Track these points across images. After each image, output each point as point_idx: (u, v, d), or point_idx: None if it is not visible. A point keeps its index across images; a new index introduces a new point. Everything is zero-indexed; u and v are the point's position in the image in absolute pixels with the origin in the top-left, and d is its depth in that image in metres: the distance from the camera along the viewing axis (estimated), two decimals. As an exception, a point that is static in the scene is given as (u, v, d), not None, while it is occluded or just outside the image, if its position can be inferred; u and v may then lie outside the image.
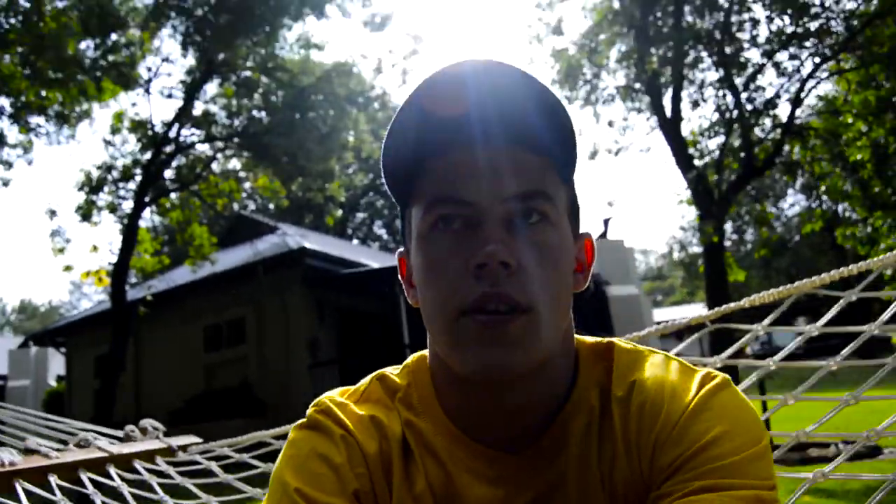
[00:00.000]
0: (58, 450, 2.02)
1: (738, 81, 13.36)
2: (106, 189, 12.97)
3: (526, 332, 0.75)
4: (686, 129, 13.92)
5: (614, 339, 0.91)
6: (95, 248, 13.36)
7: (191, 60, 13.93)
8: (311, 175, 14.38)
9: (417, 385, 0.91)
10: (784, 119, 12.93)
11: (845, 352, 2.11)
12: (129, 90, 13.34)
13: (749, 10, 13.24)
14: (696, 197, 12.99)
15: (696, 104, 13.93)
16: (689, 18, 13.89)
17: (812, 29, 12.37)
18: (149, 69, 13.46)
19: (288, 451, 0.87)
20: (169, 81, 13.42)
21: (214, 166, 14.52)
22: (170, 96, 13.67)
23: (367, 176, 20.69)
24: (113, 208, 12.95)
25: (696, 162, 13.60)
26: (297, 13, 14.57)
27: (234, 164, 15.16)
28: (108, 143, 13.37)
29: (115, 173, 13.21)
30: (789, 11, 12.23)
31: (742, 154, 13.02)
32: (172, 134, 13.48)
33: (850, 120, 12.20)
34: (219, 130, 14.44)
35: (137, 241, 12.53)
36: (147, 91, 13.47)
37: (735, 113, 12.99)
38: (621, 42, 14.38)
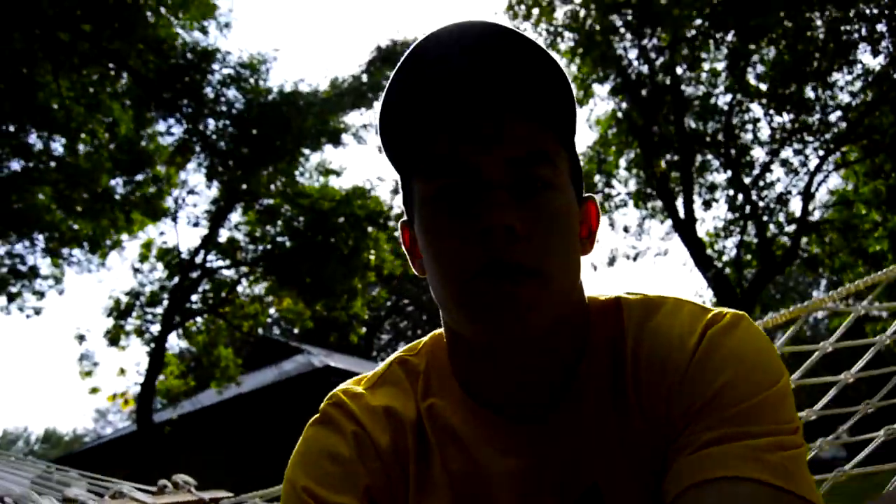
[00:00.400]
0: (95, 500, 2.07)
1: (748, 180, 13.65)
2: (134, 314, 13.28)
3: (534, 296, 0.74)
4: (701, 230, 14.11)
5: (622, 293, 0.89)
6: (123, 371, 13.52)
7: (215, 191, 14.51)
8: (334, 295, 14.59)
9: (434, 364, 0.91)
10: (798, 214, 13.11)
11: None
12: (158, 221, 13.85)
13: (748, 110, 13.71)
14: (719, 297, 12.99)
15: (708, 205, 14.18)
16: (692, 124, 14.38)
17: (812, 123, 12.75)
18: (175, 200, 14.03)
19: (299, 449, 0.88)
20: (194, 210, 13.86)
21: (239, 289, 14.80)
22: (196, 224, 14.18)
23: (391, 297, 20.98)
24: (140, 332, 13.20)
25: (716, 262, 13.70)
26: (314, 143, 15.28)
27: (259, 287, 15.43)
28: (136, 270, 13.79)
29: (142, 299, 13.54)
30: (787, 107, 12.64)
31: (759, 251, 13.12)
32: (198, 260, 13.89)
33: (863, 211, 12.36)
34: (243, 256, 14.83)
35: (164, 364, 12.67)
36: (174, 220, 13.99)
37: (748, 209, 13.19)
38: (628, 150, 14.83)
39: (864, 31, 12.65)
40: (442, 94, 0.78)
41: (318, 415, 0.90)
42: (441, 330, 0.91)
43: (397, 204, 15.79)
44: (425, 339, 0.95)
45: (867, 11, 12.50)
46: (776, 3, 12.15)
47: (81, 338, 13.06)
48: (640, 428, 0.79)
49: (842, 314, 2.33)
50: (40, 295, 12.95)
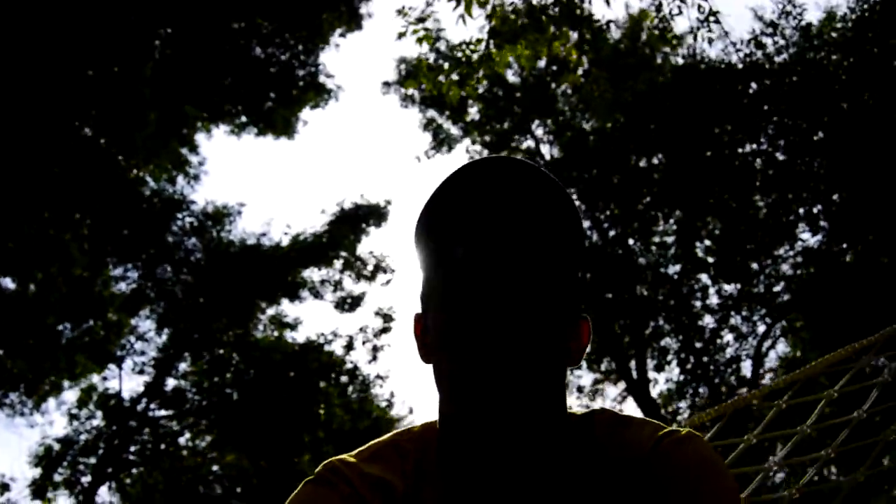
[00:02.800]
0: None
1: (698, 345, 13.90)
2: (65, 463, 12.53)
3: (521, 402, 0.83)
4: (655, 391, 14.14)
5: (595, 409, 0.99)
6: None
7: (164, 338, 14.27)
8: (281, 450, 14.07)
9: (423, 451, 0.96)
10: (748, 376, 13.28)
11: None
12: (103, 368, 13.47)
13: (697, 280, 14.19)
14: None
15: (660, 367, 14.30)
16: (644, 291, 14.79)
17: (757, 293, 13.20)
18: (123, 346, 13.72)
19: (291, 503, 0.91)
20: (141, 358, 13.62)
21: (181, 441, 14.19)
22: (141, 372, 13.80)
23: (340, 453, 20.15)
24: (71, 484, 12.40)
25: (671, 423, 13.63)
26: (271, 296, 15.33)
27: (203, 441, 14.82)
28: (73, 416, 13.20)
29: (76, 447, 12.85)
30: (734, 278, 13.13)
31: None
32: (140, 408, 13.38)
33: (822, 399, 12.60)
34: (188, 406, 14.35)
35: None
36: (119, 367, 13.61)
37: (699, 372, 13.33)
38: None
39: (801, 212, 13.46)
40: (474, 222, 0.89)
41: (312, 476, 0.94)
42: (434, 420, 0.97)
43: (350, 359, 15.66)
44: (418, 425, 1.01)
45: (804, 195, 13.37)
46: (722, 185, 12.98)
47: (4, 487, 12.23)
48: None
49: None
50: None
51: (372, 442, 1.00)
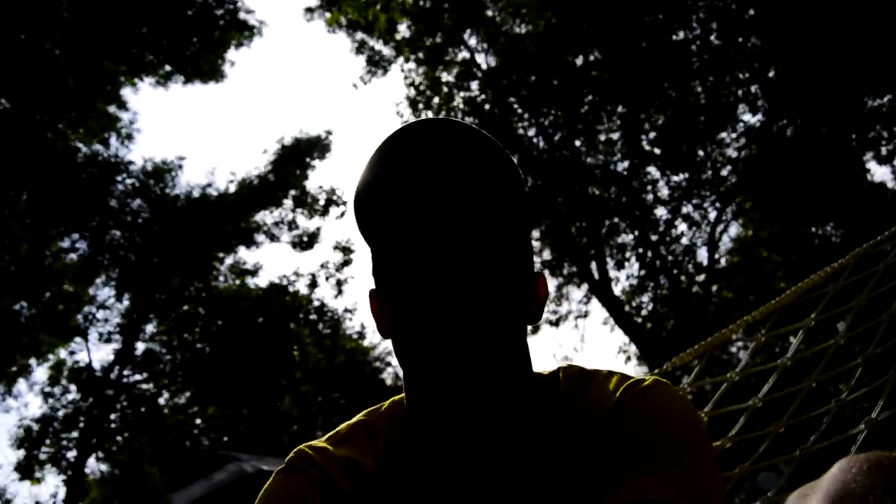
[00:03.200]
0: None
1: (654, 238, 14.18)
2: (48, 441, 12.50)
3: (483, 363, 0.83)
4: (617, 289, 14.48)
5: (562, 365, 0.99)
6: (39, 506, 12.62)
7: (126, 303, 14.07)
8: (260, 396, 14.19)
9: (393, 427, 0.96)
10: (705, 263, 13.66)
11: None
12: (68, 341, 13.28)
13: (647, 173, 14.35)
14: (642, 350, 13.28)
15: (620, 265, 14.59)
16: (596, 191, 14.93)
17: (706, 179, 13.44)
18: (84, 317, 13.50)
19: (264, 495, 0.91)
20: (106, 326, 13.46)
21: (161, 402, 14.21)
22: (108, 340, 13.66)
23: (319, 392, 20.53)
24: (56, 461, 12.41)
25: (635, 318, 14.05)
26: (227, 246, 15.13)
27: (182, 398, 14.86)
28: (47, 394, 13.09)
29: (56, 424, 12.80)
30: (681, 167, 13.31)
31: (674, 302, 13.55)
32: (114, 376, 13.30)
33: (764, 254, 13.05)
34: (161, 367, 14.31)
35: (85, 492, 11.91)
36: (85, 338, 13.43)
37: (658, 264, 13.66)
38: (538, 223, 15.21)
39: (740, 93, 13.58)
40: (413, 191, 0.87)
41: (283, 465, 0.94)
42: (401, 395, 0.98)
43: (316, 297, 15.68)
44: (386, 403, 1.02)
45: (741, 76, 13.45)
46: (660, 76, 12.97)
47: (-11, 474, 12.19)
48: (583, 485, 0.86)
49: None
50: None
51: (341, 425, 1.01)
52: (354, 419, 1.01)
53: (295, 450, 0.97)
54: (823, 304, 2.44)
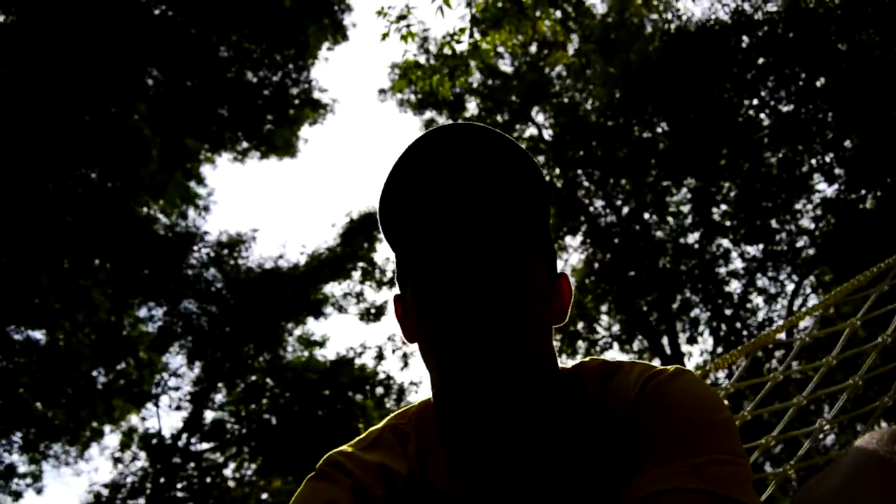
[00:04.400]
0: None
1: (728, 312, 13.73)
2: (115, 508, 12.65)
3: (509, 357, 0.83)
4: (691, 365, 13.98)
5: (584, 360, 1.00)
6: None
7: (197, 371, 14.36)
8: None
9: (422, 428, 0.97)
10: (784, 337, 13.08)
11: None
12: (140, 408, 13.58)
13: (719, 246, 14.02)
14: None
15: (693, 339, 14.14)
16: (667, 265, 14.65)
17: (781, 251, 13.03)
18: (157, 384, 13.82)
19: (295, 502, 0.91)
20: (177, 393, 13.77)
21: (227, 473, 14.25)
22: (178, 408, 13.89)
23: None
24: (122, 527, 12.50)
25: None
26: (296, 317, 15.38)
27: (248, 469, 14.88)
28: (117, 460, 13.32)
29: (124, 491, 12.97)
30: (755, 239, 12.97)
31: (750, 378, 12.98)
32: (182, 444, 13.46)
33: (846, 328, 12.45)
34: (229, 437, 14.42)
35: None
36: (157, 405, 13.71)
37: (733, 339, 13.18)
38: (607, 296, 14.97)
39: (814, 163, 13.27)
40: (433, 193, 0.89)
41: (313, 472, 0.94)
42: (429, 397, 0.99)
43: (382, 369, 15.67)
44: (414, 405, 1.03)
45: (814, 145, 13.18)
46: (730, 146, 12.84)
47: (59, 537, 12.33)
48: (606, 476, 0.85)
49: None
50: (17, 496, 12.38)
51: (371, 429, 1.00)
52: (383, 423, 1.01)
53: (325, 456, 0.96)
54: (870, 304, 2.33)
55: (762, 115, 13.06)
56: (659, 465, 0.76)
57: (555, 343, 0.95)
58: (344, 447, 0.97)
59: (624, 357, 15.55)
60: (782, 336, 2.32)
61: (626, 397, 0.87)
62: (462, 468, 0.90)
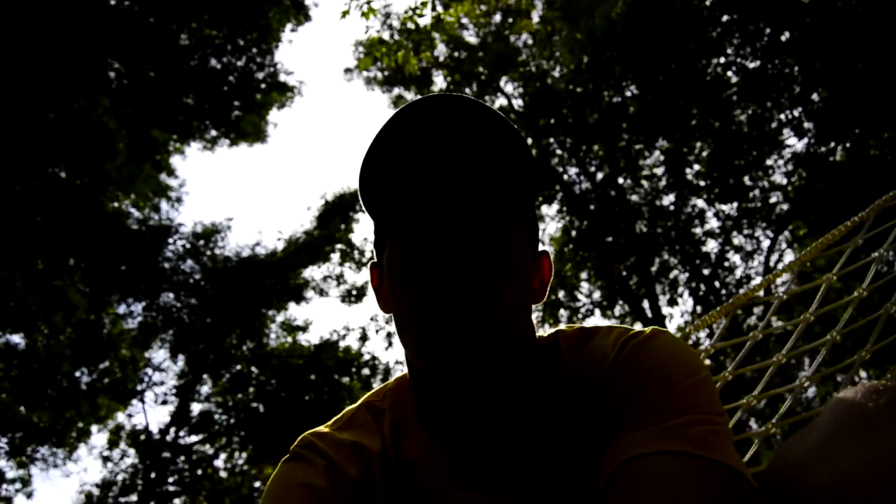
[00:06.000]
0: None
1: (707, 272, 13.84)
2: (107, 505, 12.61)
3: (488, 336, 0.80)
4: (672, 327, 14.11)
5: (560, 328, 0.97)
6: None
7: (181, 364, 14.28)
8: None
9: (398, 404, 0.96)
10: (762, 294, 13.24)
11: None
12: (126, 405, 13.50)
13: (694, 206, 14.10)
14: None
15: (673, 301, 14.26)
16: (643, 228, 14.72)
17: (755, 208, 13.14)
18: (141, 380, 13.73)
19: (271, 485, 0.90)
20: (162, 388, 13.69)
21: (217, 463, 14.25)
22: (164, 402, 13.83)
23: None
24: (115, 526, 12.47)
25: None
26: (277, 303, 15.31)
27: (239, 458, 14.88)
28: (106, 458, 13.25)
29: (115, 489, 12.92)
30: (729, 197, 13.06)
31: (731, 335, 13.14)
32: (170, 438, 13.41)
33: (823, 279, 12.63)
34: (217, 428, 14.39)
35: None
36: (142, 401, 13.63)
37: (712, 298, 13.30)
38: (586, 262, 15.03)
39: (783, 118, 13.34)
40: (416, 161, 0.87)
41: (287, 455, 0.94)
42: (406, 372, 0.97)
43: (367, 350, 15.67)
44: (390, 381, 1.01)
45: (782, 100, 13.24)
46: (700, 106, 12.86)
47: (52, 538, 12.30)
48: (585, 444, 0.84)
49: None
50: (7, 501, 12.30)
51: (347, 408, 0.99)
52: (359, 401, 1.00)
53: (299, 438, 0.96)
54: (845, 259, 2.34)
55: (729, 73, 13.08)
56: (638, 429, 0.75)
57: (536, 314, 0.94)
58: (318, 428, 0.96)
59: (606, 323, 15.71)
60: (760, 294, 2.32)
61: (604, 361, 0.85)
62: (438, 442, 0.89)
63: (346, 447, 0.91)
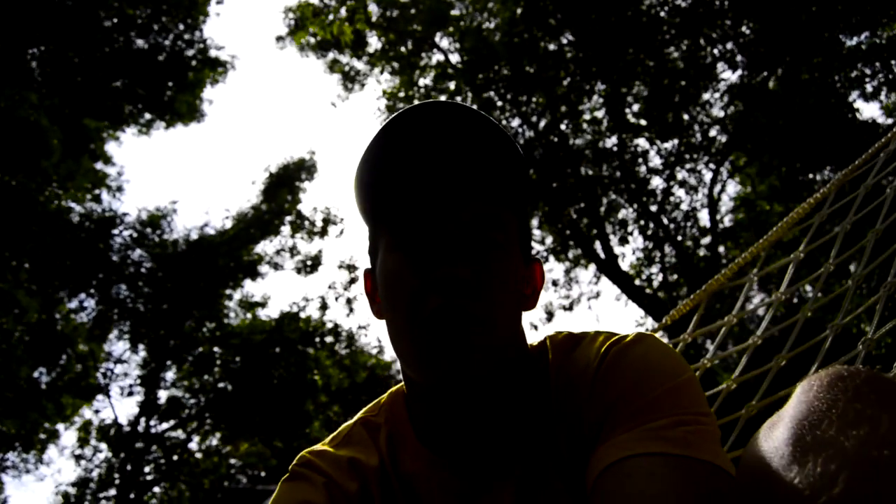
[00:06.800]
0: None
1: (654, 208, 14.13)
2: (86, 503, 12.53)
3: (480, 342, 0.80)
4: (625, 265, 14.43)
5: (550, 334, 0.97)
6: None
7: (142, 354, 14.11)
8: (288, 425, 14.20)
9: (393, 417, 0.96)
10: (708, 225, 13.62)
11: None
12: (91, 401, 13.32)
13: (637, 146, 14.32)
14: (658, 320, 13.22)
15: (624, 241, 14.55)
16: (589, 171, 14.90)
17: (696, 142, 13.41)
18: (103, 374, 13.53)
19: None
20: (126, 380, 13.53)
21: (192, 447, 14.23)
22: (130, 394, 13.68)
23: (347, 412, 20.53)
24: (96, 521, 12.43)
25: (646, 290, 14.01)
26: (232, 281, 15.16)
27: (214, 439, 14.87)
28: (78, 457, 13.12)
29: (92, 486, 12.83)
30: (670, 134, 13.28)
31: (682, 268, 13.51)
32: (141, 428, 13.32)
33: (767, 207, 13.02)
34: (187, 413, 14.33)
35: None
36: (107, 395, 13.46)
37: (661, 234, 13.62)
38: (536, 211, 15.19)
39: (716, 52, 13.54)
40: (409, 167, 0.86)
41: (287, 474, 0.94)
42: (400, 385, 0.98)
43: (328, 318, 15.69)
44: (384, 396, 1.01)
45: (714, 35, 13.42)
46: (634, 47, 12.95)
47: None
48: (573, 452, 0.84)
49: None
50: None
51: (343, 425, 1.00)
52: (355, 418, 1.01)
53: (298, 456, 0.96)
54: (810, 235, 2.43)
55: (662, 14, 13.18)
56: (622, 432, 0.76)
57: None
58: (316, 446, 0.98)
59: (561, 267, 15.93)
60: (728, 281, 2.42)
61: (588, 367, 0.85)
62: (435, 453, 0.90)
63: (344, 464, 0.92)
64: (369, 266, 0.96)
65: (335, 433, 0.99)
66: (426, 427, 0.91)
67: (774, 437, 0.60)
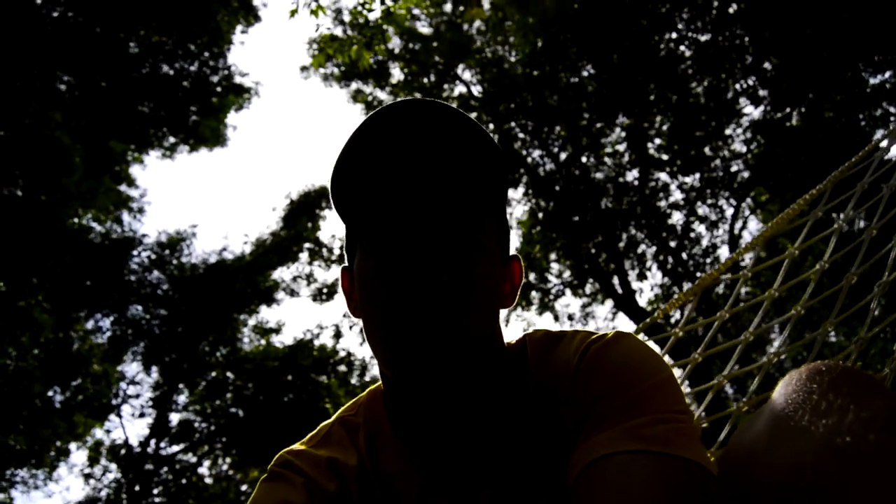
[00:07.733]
0: None
1: (673, 244, 14.01)
2: (91, 523, 12.47)
3: (454, 339, 0.80)
4: (643, 300, 14.27)
5: (528, 332, 0.97)
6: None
7: (155, 376, 14.14)
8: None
9: (371, 416, 0.96)
10: (728, 273, 13.44)
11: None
12: (103, 421, 13.33)
13: (657, 180, 14.25)
14: (675, 357, 13.01)
15: (642, 276, 14.41)
16: (609, 204, 14.84)
17: (717, 177, 13.31)
18: (116, 395, 13.56)
19: None
20: (138, 401, 13.56)
21: (201, 471, 14.16)
22: (142, 415, 13.68)
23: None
24: (101, 542, 12.34)
25: (666, 328, 13.83)
26: (248, 307, 15.20)
27: (223, 464, 14.79)
28: (87, 476, 13.10)
29: (99, 506, 12.78)
30: (691, 168, 13.21)
31: (702, 304, 13.34)
32: (151, 450, 13.29)
33: (790, 246, 12.87)
34: (198, 437, 14.29)
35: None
36: (119, 416, 13.47)
37: (680, 270, 13.47)
38: (554, 244, 15.13)
39: (739, 88, 13.52)
40: (387, 165, 0.86)
41: (265, 474, 0.94)
42: (378, 384, 0.98)
43: (342, 347, 15.64)
44: (362, 395, 1.01)
45: (736, 70, 13.41)
46: (656, 80, 12.98)
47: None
48: (555, 450, 0.84)
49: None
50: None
51: (322, 424, 0.99)
52: (333, 417, 1.00)
53: (276, 456, 0.96)
54: (806, 232, 2.38)
55: (682, 48, 13.20)
56: (601, 431, 0.76)
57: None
58: (295, 445, 0.96)
59: (577, 302, 15.79)
60: (728, 274, 2.35)
61: (567, 366, 0.86)
62: (414, 452, 0.90)
63: (322, 463, 0.91)
64: (346, 264, 0.96)
65: (313, 433, 0.98)
66: (404, 426, 0.91)
67: (754, 428, 0.61)
